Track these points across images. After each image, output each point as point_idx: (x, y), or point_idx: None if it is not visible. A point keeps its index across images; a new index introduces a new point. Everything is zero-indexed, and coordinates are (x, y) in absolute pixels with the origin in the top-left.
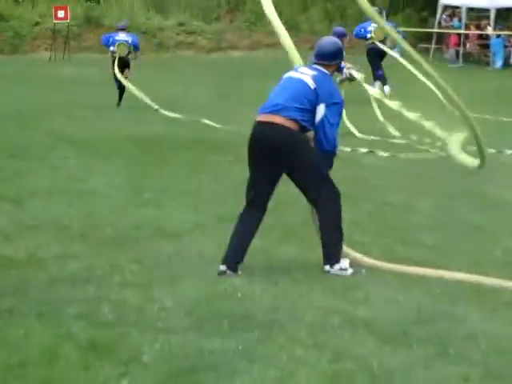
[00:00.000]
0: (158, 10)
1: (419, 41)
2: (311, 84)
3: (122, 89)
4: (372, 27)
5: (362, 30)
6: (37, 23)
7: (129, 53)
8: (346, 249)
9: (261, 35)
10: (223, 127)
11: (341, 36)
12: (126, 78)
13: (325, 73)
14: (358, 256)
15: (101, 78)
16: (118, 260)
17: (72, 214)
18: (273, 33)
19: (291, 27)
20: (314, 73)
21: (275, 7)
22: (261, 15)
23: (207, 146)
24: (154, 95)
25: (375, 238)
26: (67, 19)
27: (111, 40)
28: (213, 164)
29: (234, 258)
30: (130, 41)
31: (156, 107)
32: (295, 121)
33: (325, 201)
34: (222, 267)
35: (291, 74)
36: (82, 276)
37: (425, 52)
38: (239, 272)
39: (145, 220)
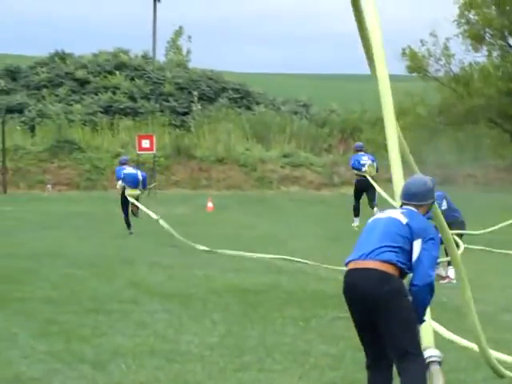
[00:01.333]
0: (258, 139)
1: None
2: (402, 219)
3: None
4: (364, 160)
5: (357, 162)
6: (118, 154)
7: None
8: None
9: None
10: (336, 276)
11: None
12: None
13: (415, 211)
14: None
15: (193, 218)
16: None
17: (161, 378)
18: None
19: (415, 159)
20: (404, 210)
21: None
22: (379, 145)
23: (317, 299)
24: (254, 237)
25: None
26: (153, 150)
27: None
28: (324, 321)
29: None
30: (139, 176)
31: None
32: (392, 263)
33: (409, 375)
34: None
35: (377, 215)
36: None
37: None
38: None
39: None
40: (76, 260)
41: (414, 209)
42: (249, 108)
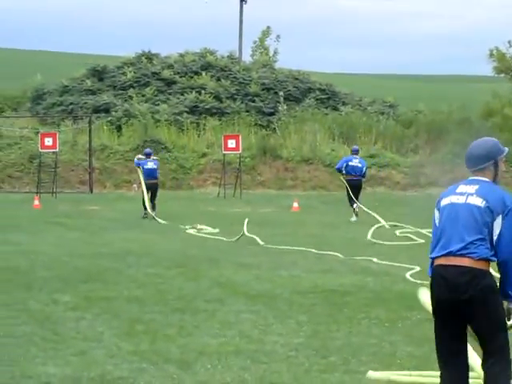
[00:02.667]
0: (344, 139)
1: None
2: (481, 202)
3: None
4: (354, 163)
5: (345, 163)
6: (204, 154)
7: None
8: None
9: (466, 169)
10: (423, 277)
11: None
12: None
13: (486, 181)
14: None
15: (279, 218)
16: None
17: (247, 378)
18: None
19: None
20: (476, 186)
21: None
22: (466, 145)
23: (403, 300)
24: (339, 238)
25: None
26: (239, 150)
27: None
28: (410, 323)
29: None
30: (157, 167)
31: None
32: (485, 260)
33: (495, 374)
34: None
35: (451, 198)
36: None
37: None
38: None
39: None
40: (162, 259)
41: (482, 178)
42: (335, 108)
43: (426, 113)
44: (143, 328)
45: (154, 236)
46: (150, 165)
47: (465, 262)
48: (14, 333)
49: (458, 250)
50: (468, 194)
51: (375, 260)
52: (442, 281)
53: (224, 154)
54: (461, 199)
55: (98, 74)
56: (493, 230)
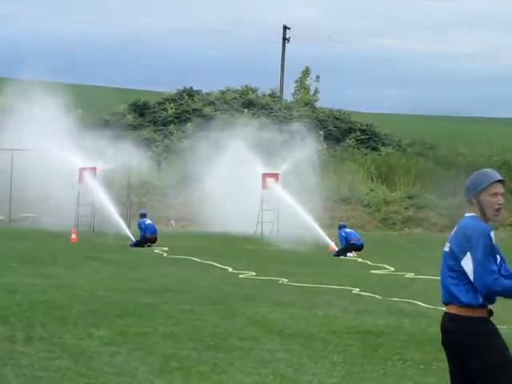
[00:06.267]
0: (383, 180)
1: None
2: (448, 248)
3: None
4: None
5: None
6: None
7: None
8: None
9: (504, 213)
10: None
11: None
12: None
13: (467, 217)
14: None
15: (316, 258)
16: None
17: None
18: None
19: None
20: (455, 228)
21: None
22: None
23: (438, 342)
24: (376, 278)
25: None
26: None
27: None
28: (445, 365)
29: None
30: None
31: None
32: (468, 305)
33: None
34: None
35: (445, 245)
36: None
37: None
38: None
39: None
40: (197, 296)
41: (469, 213)
42: (375, 149)
43: (467, 155)
44: (177, 364)
45: (191, 272)
46: (150, 221)
47: (451, 309)
48: (48, 367)
49: (445, 298)
50: (449, 238)
51: (411, 301)
52: (441, 327)
53: (262, 192)
54: (446, 246)
55: (139, 109)
56: (465, 271)
